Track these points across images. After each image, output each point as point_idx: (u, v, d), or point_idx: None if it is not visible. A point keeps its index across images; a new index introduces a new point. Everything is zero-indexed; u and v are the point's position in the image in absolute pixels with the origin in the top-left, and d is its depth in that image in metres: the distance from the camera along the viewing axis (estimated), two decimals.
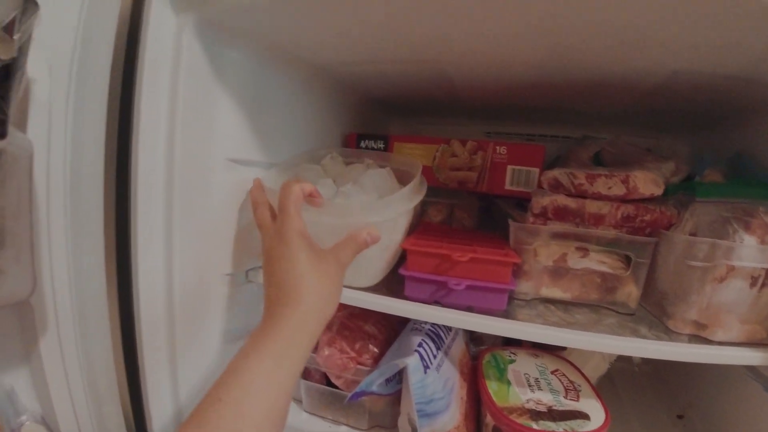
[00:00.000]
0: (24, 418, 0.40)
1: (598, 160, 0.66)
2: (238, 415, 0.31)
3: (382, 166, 0.58)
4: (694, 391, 0.76)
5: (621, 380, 0.84)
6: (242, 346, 0.35)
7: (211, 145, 0.51)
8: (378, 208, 0.49)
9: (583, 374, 0.60)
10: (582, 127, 0.80)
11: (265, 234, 0.45)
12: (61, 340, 0.39)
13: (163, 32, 0.45)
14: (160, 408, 0.48)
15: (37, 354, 0.38)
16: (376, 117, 0.91)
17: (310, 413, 0.64)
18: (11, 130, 0.29)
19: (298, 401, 0.66)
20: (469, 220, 0.70)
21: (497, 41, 0.45)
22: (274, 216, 0.47)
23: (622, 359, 0.78)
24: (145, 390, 0.46)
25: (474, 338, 0.72)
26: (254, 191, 0.50)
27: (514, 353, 0.63)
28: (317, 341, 0.62)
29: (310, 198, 0.46)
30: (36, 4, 0.32)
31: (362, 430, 0.61)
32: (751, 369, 0.59)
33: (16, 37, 0.28)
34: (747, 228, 0.47)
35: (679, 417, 0.74)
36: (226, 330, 0.57)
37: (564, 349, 0.70)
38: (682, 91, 0.57)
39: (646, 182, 0.52)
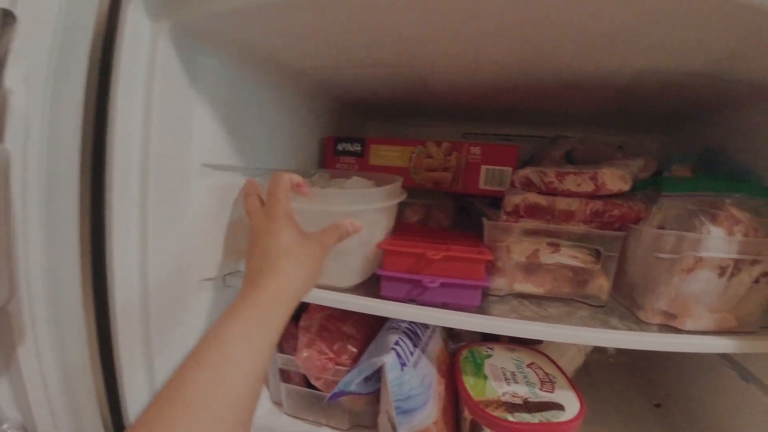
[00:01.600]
0: (5, 426, 0.41)
1: (569, 159, 0.69)
2: (215, 379, 0.31)
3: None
4: (671, 381, 0.79)
5: (598, 372, 0.87)
6: (221, 314, 0.37)
7: (187, 151, 0.52)
8: (359, 199, 0.52)
9: (558, 367, 0.62)
10: (557, 127, 0.83)
11: (254, 217, 0.48)
12: (39, 348, 0.39)
13: (139, 39, 0.46)
14: (138, 412, 0.49)
15: (15, 362, 0.39)
16: (354, 121, 0.93)
17: (291, 416, 0.65)
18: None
19: (279, 404, 0.67)
20: (446, 220, 0.73)
21: (469, 44, 0.48)
22: (263, 205, 0.49)
23: (598, 351, 0.80)
24: (122, 394, 0.47)
25: (452, 335, 0.74)
26: (247, 183, 0.53)
27: (491, 348, 0.65)
28: (290, 341, 0.64)
29: (298, 187, 0.49)
30: (14, 17, 0.33)
31: (343, 430, 0.63)
32: (726, 357, 0.63)
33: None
34: (714, 220, 0.49)
35: (657, 406, 0.77)
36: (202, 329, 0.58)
37: (540, 342, 0.72)
38: (650, 90, 0.60)
39: (614, 178, 0.55)
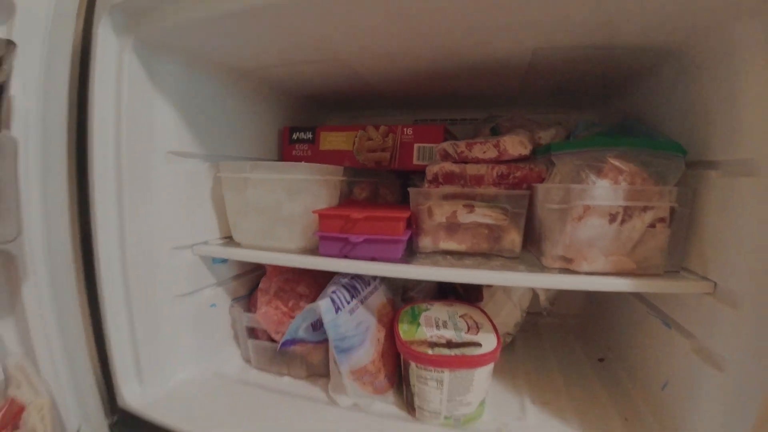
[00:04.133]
0: (11, 358, 0.53)
1: (495, 132, 0.80)
2: None
3: None
4: (612, 337, 0.88)
5: (549, 336, 0.97)
6: None
7: (151, 140, 0.65)
8: (304, 171, 0.65)
9: (490, 319, 0.72)
10: (498, 109, 0.94)
11: None
12: (39, 289, 0.53)
13: (107, 51, 0.59)
14: (121, 349, 0.62)
15: (20, 301, 0.52)
16: (312, 113, 1.06)
17: (258, 369, 0.77)
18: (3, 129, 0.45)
19: (248, 361, 0.79)
20: (392, 196, 0.84)
21: (372, 37, 0.60)
22: None
23: (537, 314, 0.89)
24: (107, 331, 0.61)
25: (406, 298, 0.85)
26: None
27: (431, 304, 0.76)
28: (254, 299, 0.75)
29: None
30: (14, 44, 0.48)
31: (301, 378, 0.74)
32: (652, 307, 0.70)
33: (5, 66, 0.44)
34: (599, 172, 0.58)
35: (600, 360, 0.86)
36: (175, 293, 0.71)
37: (480, 300, 0.83)
38: (556, 66, 0.70)
39: (514, 144, 0.65)
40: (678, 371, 0.61)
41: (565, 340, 0.94)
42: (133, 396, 0.66)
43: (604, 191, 0.56)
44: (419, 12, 0.51)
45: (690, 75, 0.60)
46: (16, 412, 0.48)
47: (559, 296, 0.88)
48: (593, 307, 1.02)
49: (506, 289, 0.83)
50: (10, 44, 0.50)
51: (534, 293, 0.84)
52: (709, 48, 0.54)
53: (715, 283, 0.53)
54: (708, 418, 0.52)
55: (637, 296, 0.76)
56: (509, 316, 0.82)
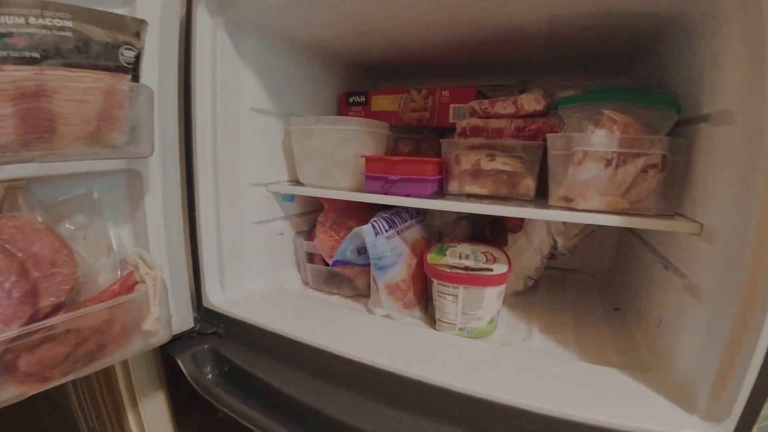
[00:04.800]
0: (130, 248, 0.75)
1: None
2: None
3: None
4: (631, 292, 0.96)
5: (572, 287, 1.06)
6: None
7: (239, 99, 0.84)
8: (354, 124, 0.82)
9: (507, 255, 0.85)
10: (529, 75, 1.03)
11: None
12: (155, 203, 0.73)
13: (204, 29, 0.78)
14: (209, 260, 0.83)
15: (142, 210, 0.73)
16: (364, 80, 1.21)
17: (314, 289, 0.96)
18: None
19: (306, 284, 0.98)
20: (432, 152, 0.98)
21: (413, 12, 0.73)
22: None
23: (567, 270, 0.99)
24: (199, 239, 0.82)
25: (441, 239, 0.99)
26: None
27: (458, 243, 0.89)
28: (313, 231, 0.94)
29: None
30: (146, 22, 0.67)
31: (348, 296, 0.92)
32: (656, 253, 0.79)
33: (142, 38, 0.62)
34: (597, 123, 0.68)
35: (616, 309, 0.95)
36: (252, 220, 0.90)
37: (505, 245, 0.95)
38: (576, 33, 0.79)
39: (529, 101, 0.77)
40: (671, 308, 0.69)
41: (586, 292, 1.03)
42: (215, 297, 0.86)
43: (600, 139, 0.66)
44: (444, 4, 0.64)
45: (690, 39, 0.67)
46: (132, 283, 0.66)
47: (580, 246, 0.98)
48: (619, 266, 1.10)
49: (528, 236, 0.94)
50: (143, 22, 0.68)
51: (553, 240, 0.94)
52: (700, 13, 0.62)
53: (702, 224, 0.61)
54: (688, 348, 0.59)
55: (648, 247, 0.85)
56: (530, 260, 0.94)
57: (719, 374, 0.51)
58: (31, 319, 0.54)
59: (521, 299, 0.96)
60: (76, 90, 0.51)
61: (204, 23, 0.78)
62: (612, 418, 0.53)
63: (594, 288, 1.07)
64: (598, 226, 0.71)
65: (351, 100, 1.03)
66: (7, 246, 0.53)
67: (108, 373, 0.93)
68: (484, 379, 0.61)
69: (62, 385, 1.39)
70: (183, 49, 0.79)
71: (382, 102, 0.98)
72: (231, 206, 0.85)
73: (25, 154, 0.52)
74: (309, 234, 1.01)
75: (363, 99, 1.01)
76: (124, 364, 0.90)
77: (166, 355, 0.86)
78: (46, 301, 0.55)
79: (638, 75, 0.97)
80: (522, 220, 0.96)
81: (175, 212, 0.77)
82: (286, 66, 0.93)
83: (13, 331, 0.52)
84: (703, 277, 0.59)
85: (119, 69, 0.56)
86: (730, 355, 0.50)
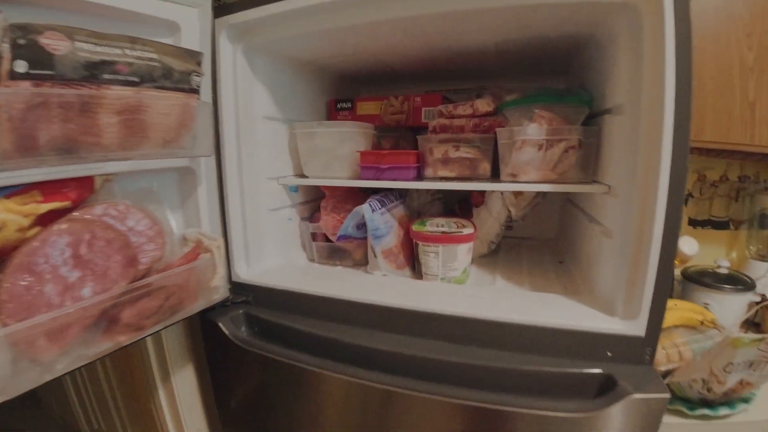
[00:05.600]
0: (188, 230, 0.95)
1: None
2: None
3: None
4: (569, 246, 1.24)
5: (527, 250, 1.34)
6: None
7: (254, 109, 1.05)
8: (348, 126, 1.04)
9: (474, 224, 1.10)
10: (490, 80, 1.30)
11: None
12: (204, 195, 0.94)
13: (226, 54, 0.98)
14: (236, 241, 1.04)
15: (193, 202, 0.93)
16: (350, 88, 1.44)
17: (319, 263, 1.19)
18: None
19: (312, 260, 1.20)
20: (408, 146, 1.22)
21: (391, 41, 0.97)
22: None
23: (522, 238, 1.26)
24: (229, 231, 1.02)
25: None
26: None
27: (435, 218, 1.14)
28: (317, 214, 1.16)
29: None
30: (203, 53, 0.87)
31: (348, 266, 1.15)
32: (586, 214, 1.06)
33: (202, 66, 0.83)
34: (530, 119, 0.95)
35: (560, 262, 1.23)
36: (268, 208, 1.12)
37: (471, 217, 1.21)
38: (518, 49, 1.05)
39: (482, 104, 1.02)
40: (594, 249, 0.96)
41: (538, 253, 1.30)
42: (243, 272, 1.06)
43: (533, 130, 0.92)
44: (412, 32, 0.89)
45: (599, 52, 0.94)
46: (197, 254, 0.86)
47: (529, 215, 1.25)
48: (562, 231, 1.38)
49: (488, 209, 1.20)
50: (201, 54, 0.85)
51: (508, 210, 1.20)
52: (603, 33, 0.87)
53: (609, 186, 0.87)
54: (606, 273, 0.83)
55: (581, 211, 1.12)
56: (491, 228, 1.20)
57: (628, 285, 0.75)
58: (133, 280, 0.74)
59: (486, 260, 1.22)
60: (163, 106, 0.72)
61: (226, 49, 0.98)
62: (560, 321, 0.79)
63: (544, 249, 1.35)
64: (543, 197, 0.98)
65: (339, 106, 1.26)
66: (114, 222, 0.73)
67: (128, 358, 1.12)
68: (464, 305, 0.86)
69: (62, 390, 1.53)
70: (211, 70, 1.00)
71: (366, 107, 1.22)
72: (252, 197, 1.06)
73: (123, 153, 0.72)
74: (311, 218, 1.23)
75: (349, 105, 1.24)
76: (158, 339, 1.09)
77: (198, 328, 1.06)
78: (143, 266, 0.75)
79: (572, 78, 1.25)
80: (483, 196, 1.22)
81: (215, 201, 0.97)
82: (288, 81, 1.15)
83: (121, 289, 0.72)
84: (612, 221, 0.84)
85: (192, 91, 0.77)
86: (633, 271, 0.73)
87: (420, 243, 1.02)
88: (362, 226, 1.07)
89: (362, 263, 1.15)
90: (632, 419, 0.71)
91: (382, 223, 1.04)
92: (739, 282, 1.23)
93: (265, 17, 0.89)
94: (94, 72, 0.64)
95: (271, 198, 1.12)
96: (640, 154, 0.72)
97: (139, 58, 0.70)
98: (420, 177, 1.07)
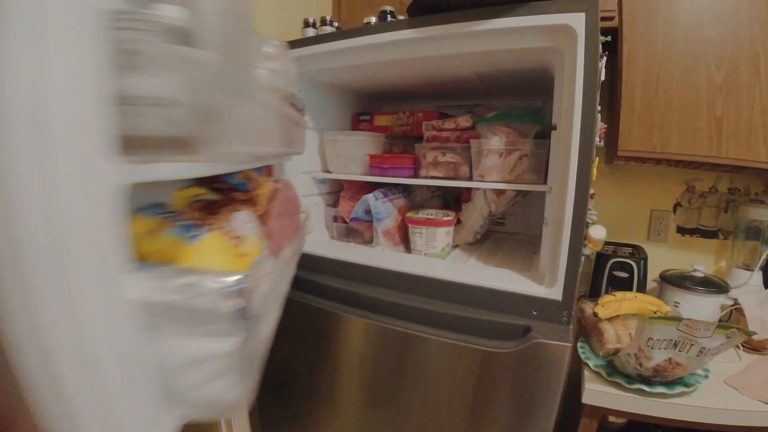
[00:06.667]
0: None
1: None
2: None
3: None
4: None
5: (509, 242, 1.62)
6: None
7: None
8: (362, 136, 1.39)
9: (457, 215, 1.41)
10: (483, 98, 1.60)
11: None
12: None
13: None
14: None
15: None
16: (371, 103, 1.80)
17: (338, 240, 1.54)
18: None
19: (333, 238, 1.56)
20: (413, 152, 1.55)
21: (396, 72, 1.31)
22: None
23: (508, 233, 1.54)
24: None
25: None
26: None
27: (430, 209, 1.46)
28: (338, 202, 1.52)
29: None
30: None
31: (359, 243, 1.50)
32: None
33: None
34: (494, 133, 1.25)
35: (534, 252, 1.50)
36: (304, 194, 1.49)
37: (460, 210, 1.51)
38: (498, 78, 1.35)
39: (463, 121, 1.33)
40: (542, 237, 1.25)
41: (519, 245, 1.58)
42: None
43: (495, 142, 1.23)
44: (407, 68, 1.22)
45: (552, 80, 1.23)
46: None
47: (509, 212, 1.53)
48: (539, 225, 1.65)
49: (473, 204, 1.50)
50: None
51: (489, 206, 1.50)
52: (550, 67, 1.17)
53: (550, 186, 1.16)
54: (544, 254, 1.17)
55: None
56: (476, 220, 1.49)
57: (551, 261, 1.06)
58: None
59: (471, 246, 1.53)
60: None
61: None
62: (501, 284, 1.10)
63: (526, 243, 1.62)
64: (523, 196, 1.28)
65: (361, 118, 1.62)
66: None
67: None
68: (436, 271, 1.18)
69: None
70: None
71: (382, 119, 1.57)
72: (294, 185, 1.43)
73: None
74: (333, 205, 1.59)
75: (369, 117, 1.59)
76: None
77: None
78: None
79: (548, 98, 1.53)
80: (470, 193, 1.52)
81: None
82: (319, 98, 1.52)
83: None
84: (549, 214, 1.14)
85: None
86: (555, 250, 1.05)
87: (410, 225, 1.35)
88: (369, 211, 1.41)
89: (370, 241, 1.49)
90: (540, 359, 1.00)
91: (383, 209, 1.38)
92: (712, 285, 1.35)
93: (306, 55, 1.26)
94: None
95: (305, 187, 1.49)
96: (561, 161, 1.00)
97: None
98: (416, 176, 1.40)
